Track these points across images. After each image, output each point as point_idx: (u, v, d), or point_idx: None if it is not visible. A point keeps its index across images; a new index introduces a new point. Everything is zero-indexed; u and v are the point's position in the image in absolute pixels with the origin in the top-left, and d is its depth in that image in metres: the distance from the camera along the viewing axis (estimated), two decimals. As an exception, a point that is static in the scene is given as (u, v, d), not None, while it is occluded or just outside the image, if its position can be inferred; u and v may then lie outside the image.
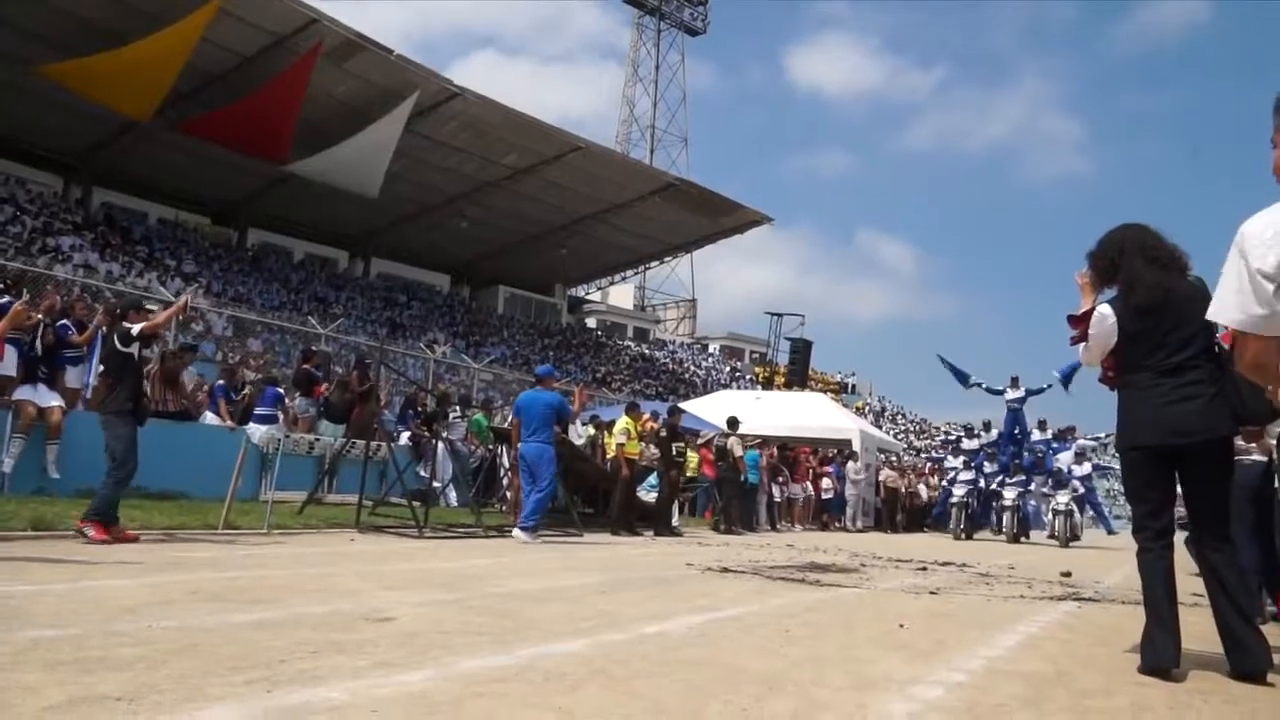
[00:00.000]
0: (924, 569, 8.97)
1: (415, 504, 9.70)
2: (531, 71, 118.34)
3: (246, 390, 12.72)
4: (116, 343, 7.07)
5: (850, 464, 20.91)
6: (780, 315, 40.92)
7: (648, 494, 14.16)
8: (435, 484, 12.20)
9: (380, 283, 37.92)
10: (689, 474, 15.38)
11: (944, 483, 21.67)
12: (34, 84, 22.85)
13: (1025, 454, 19.92)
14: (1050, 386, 19.53)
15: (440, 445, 12.63)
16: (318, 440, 12.11)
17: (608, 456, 13.84)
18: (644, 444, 14.09)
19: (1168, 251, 3.75)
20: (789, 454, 19.58)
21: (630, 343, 48.80)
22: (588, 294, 50.88)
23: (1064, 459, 19.32)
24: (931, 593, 6.58)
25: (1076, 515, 18.33)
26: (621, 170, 36.62)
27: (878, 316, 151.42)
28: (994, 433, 20.67)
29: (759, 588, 6.30)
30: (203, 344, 19.10)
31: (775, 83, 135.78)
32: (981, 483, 19.54)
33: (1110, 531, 20.32)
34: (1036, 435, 20.48)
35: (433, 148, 30.77)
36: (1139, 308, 3.66)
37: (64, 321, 9.73)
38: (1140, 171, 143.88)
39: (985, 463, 19.71)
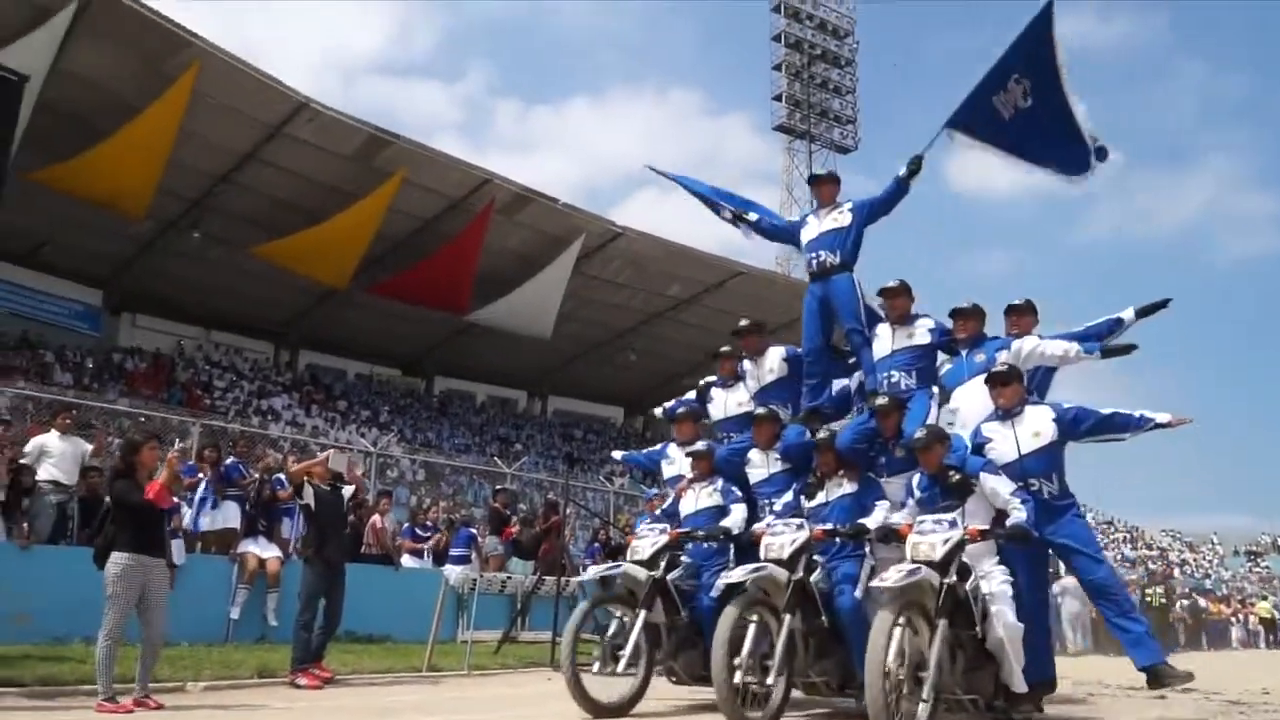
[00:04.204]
0: (1162, 698, 8.06)
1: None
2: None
3: (438, 534, 13.21)
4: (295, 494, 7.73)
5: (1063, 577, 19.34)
6: (961, 422, 39.08)
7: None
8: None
9: (557, 419, 39.09)
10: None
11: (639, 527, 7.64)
12: (249, 263, 25.58)
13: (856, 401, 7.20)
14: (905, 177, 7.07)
15: (626, 578, 12.61)
16: (509, 578, 12.36)
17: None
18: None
19: None
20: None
21: (805, 462, 47.85)
22: (758, 415, 50.62)
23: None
24: (1178, 724, 5.90)
25: (993, 597, 5.39)
26: (784, 290, 36.62)
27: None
28: (778, 361, 7.55)
29: (978, 721, 5.83)
30: (397, 489, 20.12)
31: (934, 189, 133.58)
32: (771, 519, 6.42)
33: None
34: (895, 341, 6.89)
35: (599, 286, 32.00)
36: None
37: (278, 476, 10.54)
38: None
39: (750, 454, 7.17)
